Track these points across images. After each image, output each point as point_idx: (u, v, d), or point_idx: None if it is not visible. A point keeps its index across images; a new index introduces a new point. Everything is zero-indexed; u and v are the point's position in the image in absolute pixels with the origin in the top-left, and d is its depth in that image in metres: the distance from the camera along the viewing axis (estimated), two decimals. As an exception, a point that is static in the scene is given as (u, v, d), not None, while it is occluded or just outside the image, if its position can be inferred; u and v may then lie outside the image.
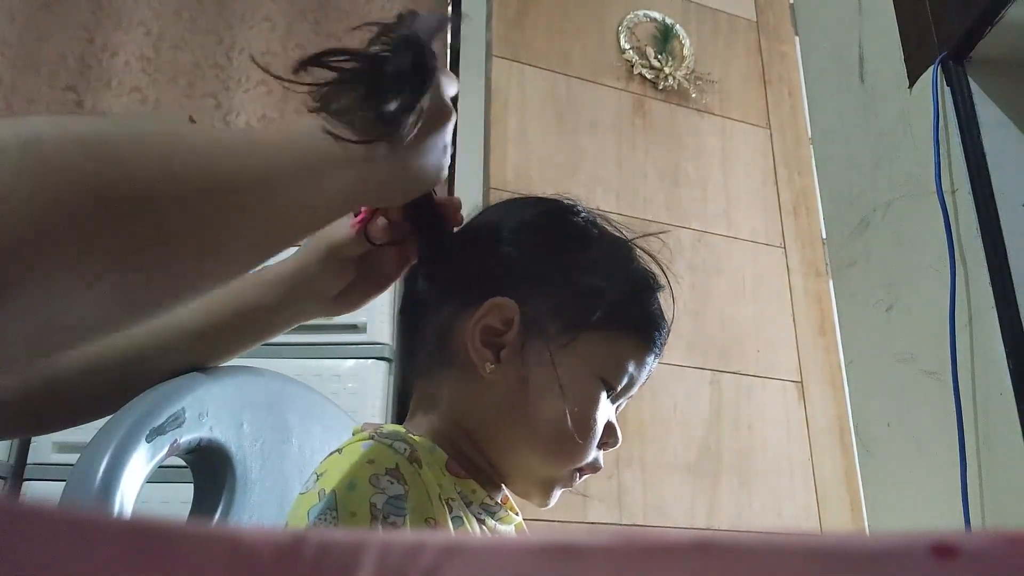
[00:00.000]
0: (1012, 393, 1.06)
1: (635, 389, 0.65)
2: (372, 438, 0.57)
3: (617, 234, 0.67)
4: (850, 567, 0.18)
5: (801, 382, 1.99)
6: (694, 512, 1.79)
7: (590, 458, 0.62)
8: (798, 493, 1.88)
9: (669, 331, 0.65)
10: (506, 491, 0.66)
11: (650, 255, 0.67)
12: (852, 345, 1.42)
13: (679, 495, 1.79)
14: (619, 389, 0.63)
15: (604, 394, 0.62)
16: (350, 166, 0.45)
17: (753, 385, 1.95)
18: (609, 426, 0.63)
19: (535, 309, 0.61)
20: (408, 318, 0.68)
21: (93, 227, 0.35)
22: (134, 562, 0.17)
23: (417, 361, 0.66)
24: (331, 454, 0.58)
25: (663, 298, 0.66)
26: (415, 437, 0.59)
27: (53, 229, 0.33)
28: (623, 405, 0.67)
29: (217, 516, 0.64)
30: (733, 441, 1.88)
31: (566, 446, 0.60)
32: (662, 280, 0.66)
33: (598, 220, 0.67)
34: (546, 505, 0.64)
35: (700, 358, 1.93)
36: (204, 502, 0.65)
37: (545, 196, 0.69)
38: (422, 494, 0.54)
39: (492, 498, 0.62)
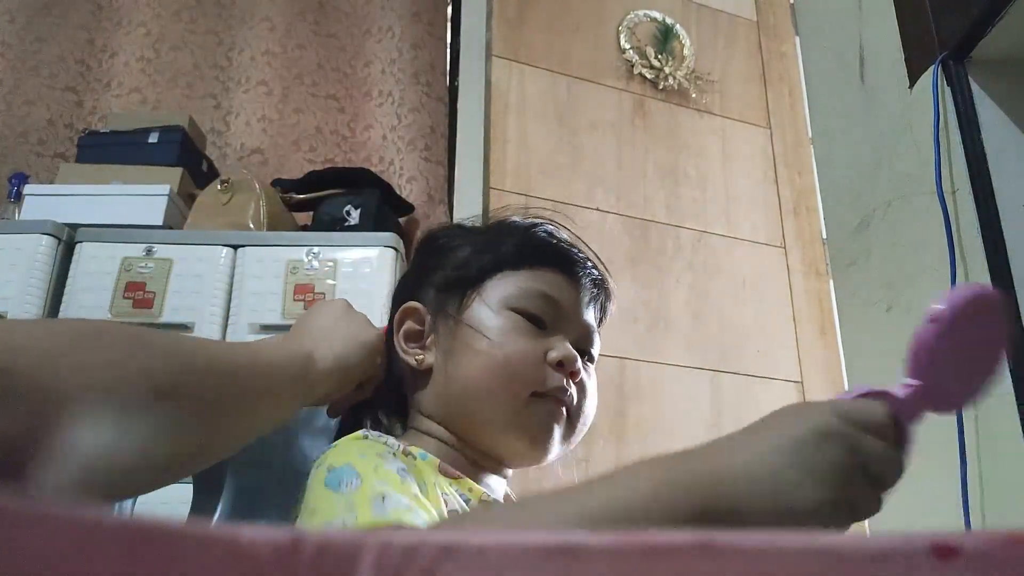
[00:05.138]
0: (1012, 393, 1.06)
1: (572, 311, 0.68)
2: (365, 436, 0.61)
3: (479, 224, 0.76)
4: (850, 567, 0.18)
5: (801, 382, 1.99)
6: (694, 512, 1.79)
7: (541, 380, 0.64)
8: (798, 493, 1.88)
9: (564, 246, 0.71)
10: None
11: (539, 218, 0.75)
12: (852, 345, 1.42)
13: (679, 495, 1.79)
14: (544, 315, 0.66)
15: (523, 321, 0.65)
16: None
17: (753, 385, 1.95)
18: (561, 350, 0.65)
19: (432, 296, 0.70)
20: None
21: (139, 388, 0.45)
22: (134, 562, 0.17)
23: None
24: (329, 448, 0.60)
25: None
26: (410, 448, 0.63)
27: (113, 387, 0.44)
28: (589, 341, 0.70)
29: (216, 516, 0.64)
30: (733, 441, 1.88)
31: (499, 374, 0.64)
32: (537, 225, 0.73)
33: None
34: (543, 456, 0.65)
35: (700, 358, 1.93)
36: (203, 502, 0.65)
37: None
38: (420, 479, 0.57)
39: (490, 495, 0.64)
